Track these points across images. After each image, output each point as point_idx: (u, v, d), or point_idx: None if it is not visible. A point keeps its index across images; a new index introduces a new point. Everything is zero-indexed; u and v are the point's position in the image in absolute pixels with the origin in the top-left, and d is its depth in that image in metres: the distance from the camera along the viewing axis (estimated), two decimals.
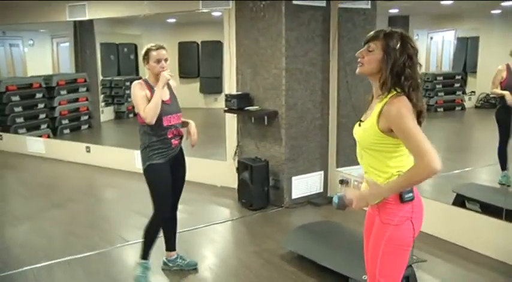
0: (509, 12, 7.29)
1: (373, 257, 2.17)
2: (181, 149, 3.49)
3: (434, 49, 9.70)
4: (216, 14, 8.98)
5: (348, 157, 5.49)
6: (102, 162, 6.99)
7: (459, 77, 8.77)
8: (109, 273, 3.76)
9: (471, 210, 4.33)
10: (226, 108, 5.46)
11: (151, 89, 3.28)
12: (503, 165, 5.20)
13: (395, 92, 2.02)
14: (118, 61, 11.08)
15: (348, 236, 3.99)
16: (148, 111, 3.22)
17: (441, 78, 8.72)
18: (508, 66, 5.11)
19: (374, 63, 2.04)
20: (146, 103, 3.23)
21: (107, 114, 10.20)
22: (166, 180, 3.37)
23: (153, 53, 3.27)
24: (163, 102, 3.28)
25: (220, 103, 11.55)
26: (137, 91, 3.28)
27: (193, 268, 3.71)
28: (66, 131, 8.86)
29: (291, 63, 4.97)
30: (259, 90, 5.28)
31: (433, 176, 1.90)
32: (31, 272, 3.74)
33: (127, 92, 10.41)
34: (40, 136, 8.19)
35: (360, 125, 2.17)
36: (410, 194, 2.06)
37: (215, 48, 11.62)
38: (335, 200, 2.38)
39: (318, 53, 5.16)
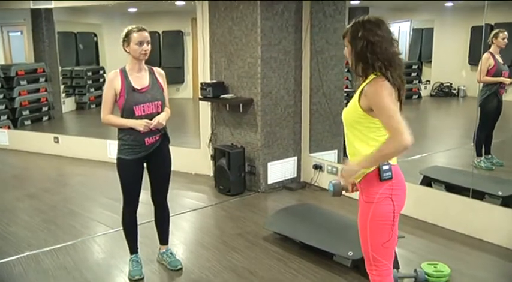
0: (461, 5, 7.69)
1: (363, 235, 2.34)
2: (163, 143, 3.37)
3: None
4: (180, 3, 8.99)
5: (319, 143, 5.70)
6: (72, 152, 6.91)
7: (415, 67, 9.12)
8: (97, 260, 3.81)
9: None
10: (201, 97, 5.53)
11: (124, 78, 3.21)
12: (487, 151, 5.43)
13: (373, 76, 2.17)
14: (77, 51, 10.83)
15: (327, 217, 4.19)
16: (106, 121, 3.25)
17: None
18: (491, 53, 5.33)
19: (349, 56, 2.24)
20: (110, 105, 3.22)
21: (68, 105, 9.97)
22: (131, 177, 3.31)
23: (135, 35, 3.16)
24: (135, 90, 3.20)
25: (182, 93, 11.57)
26: (106, 88, 3.23)
27: (174, 269, 3.55)
28: (27, 122, 8.62)
29: (265, 52, 5.09)
30: (234, 78, 5.38)
31: (404, 151, 2.06)
32: (17, 262, 3.72)
33: (88, 82, 10.23)
34: (0, 128, 7.95)
35: (346, 106, 2.34)
36: (389, 173, 2.22)
37: (177, 38, 11.60)
38: (330, 187, 2.51)
39: (291, 42, 5.31)
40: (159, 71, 3.43)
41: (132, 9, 9.91)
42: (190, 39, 11.46)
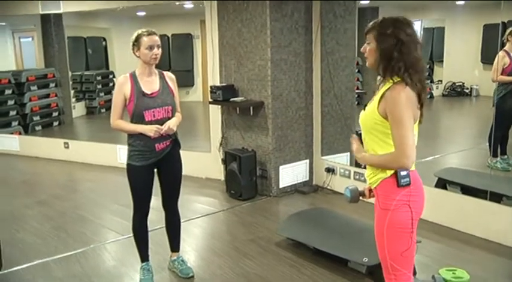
0: (472, 4, 7.57)
1: (380, 244, 2.25)
2: (174, 148, 3.31)
3: None
4: (188, 6, 8.95)
5: (331, 145, 5.62)
6: (83, 158, 6.89)
7: (427, 66, 9.01)
8: (108, 268, 3.75)
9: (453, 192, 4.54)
10: (211, 100, 5.47)
11: (134, 83, 3.16)
12: (503, 151, 5.33)
13: (398, 79, 2.10)
14: (86, 55, 10.87)
15: (341, 221, 4.10)
16: (115, 126, 3.20)
17: None
18: (506, 52, 5.22)
19: (372, 53, 2.14)
20: (119, 110, 3.17)
21: (78, 109, 10.00)
22: (142, 184, 3.25)
23: (145, 39, 3.11)
24: (145, 95, 3.15)
25: (192, 96, 11.54)
26: (116, 93, 3.18)
27: (185, 277, 3.49)
28: (38, 127, 8.64)
29: (275, 54, 5.02)
30: (244, 81, 5.31)
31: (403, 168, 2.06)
32: (27, 270, 3.68)
33: (98, 86, 10.25)
34: (11, 133, 7.96)
35: (364, 109, 2.25)
36: (407, 179, 2.14)
37: (186, 41, 11.58)
38: (347, 193, 2.45)
39: (301, 44, 5.23)
40: (169, 76, 3.37)
41: (141, 13, 9.91)
42: (199, 42, 11.45)
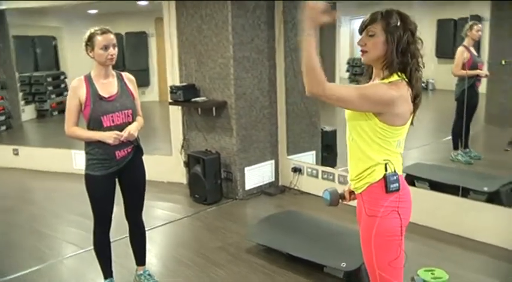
0: None
1: (367, 252, 2.11)
2: (136, 155, 3.08)
3: (358, 35, 9.94)
4: (142, 3, 8.63)
5: (297, 144, 5.49)
6: (35, 165, 6.44)
7: None
8: None
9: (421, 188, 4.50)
10: (171, 101, 5.22)
11: (90, 86, 2.91)
12: (465, 144, 5.34)
13: (397, 77, 1.97)
14: (35, 55, 10.33)
15: (315, 225, 3.96)
16: (71, 134, 2.96)
17: None
18: (465, 46, 5.24)
19: (379, 46, 1.96)
20: (74, 116, 2.92)
21: (27, 113, 9.49)
22: (102, 195, 3.02)
23: (99, 38, 2.85)
24: (102, 99, 2.91)
25: (148, 96, 11.18)
26: (70, 97, 2.93)
27: None
28: None
29: (238, 51, 4.83)
30: (206, 80, 5.10)
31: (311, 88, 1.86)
32: None
33: (49, 88, 9.75)
34: None
35: None
36: (396, 184, 2.01)
37: (140, 39, 11.22)
38: (326, 196, 2.30)
39: (264, 40, 5.07)
40: (128, 77, 3.12)
41: (93, 11, 9.51)
42: (154, 40, 11.12)
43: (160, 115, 8.89)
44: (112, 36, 2.94)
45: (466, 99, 5.13)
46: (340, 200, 2.35)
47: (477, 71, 5.22)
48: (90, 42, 2.91)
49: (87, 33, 2.92)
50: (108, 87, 2.98)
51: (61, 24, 10.20)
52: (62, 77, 10.15)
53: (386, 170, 2.03)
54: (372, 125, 1.98)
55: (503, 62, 5.88)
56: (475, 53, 5.36)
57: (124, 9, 9.64)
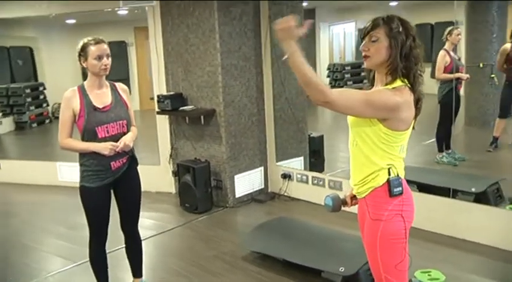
0: (405, 4, 7.76)
1: (373, 256, 2.12)
2: (131, 166, 3.04)
3: (337, 41, 10.05)
4: (122, 13, 8.54)
5: (285, 151, 5.50)
6: (17, 178, 6.28)
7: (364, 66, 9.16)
8: None
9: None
10: (159, 110, 5.18)
11: (84, 96, 2.87)
12: (447, 146, 5.49)
13: (400, 83, 1.99)
14: (11, 66, 10.14)
15: (309, 230, 3.97)
16: (65, 145, 2.90)
17: (349, 68, 9.04)
18: (446, 50, 5.36)
19: (382, 51, 1.98)
20: (68, 128, 2.88)
21: (5, 125, 9.28)
22: (98, 207, 2.97)
23: (92, 48, 2.83)
24: (97, 110, 2.87)
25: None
26: (63, 108, 2.88)
27: None
28: None
29: (226, 59, 4.83)
30: (193, 89, 5.08)
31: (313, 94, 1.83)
32: None
33: (28, 100, 9.57)
34: None
35: None
36: (399, 188, 2.04)
37: (120, 49, 11.09)
38: (328, 202, 2.31)
39: (251, 48, 5.07)
40: (122, 87, 3.09)
41: (71, 21, 9.37)
42: (134, 50, 11.03)
43: (142, 124, 8.78)
44: (105, 46, 2.91)
45: (449, 102, 5.24)
46: (342, 206, 2.36)
47: (459, 74, 5.33)
48: (83, 52, 2.87)
49: (80, 44, 2.89)
50: (102, 97, 2.95)
51: (38, 34, 10.05)
52: (41, 88, 9.98)
53: (389, 174, 2.05)
54: (376, 130, 2.00)
55: (481, 65, 6.03)
56: (455, 56, 5.48)
57: (103, 19, 9.52)
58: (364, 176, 2.09)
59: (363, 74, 9.11)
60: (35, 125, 9.49)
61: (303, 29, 1.84)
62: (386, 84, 2.01)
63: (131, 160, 3.04)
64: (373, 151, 2.03)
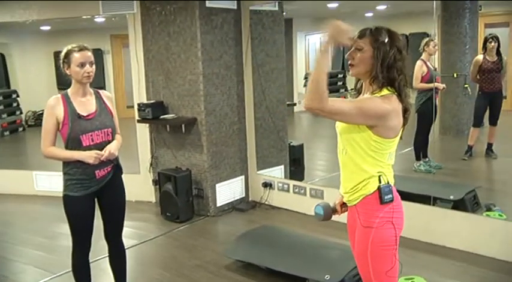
0: (380, 14, 7.92)
1: (363, 263, 2.16)
2: (116, 174, 3.02)
3: (313, 50, 10.17)
4: (98, 20, 8.46)
5: (265, 159, 5.52)
6: None
7: (340, 76, 9.30)
8: None
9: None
10: (139, 118, 5.14)
11: (67, 104, 2.83)
12: (424, 154, 5.59)
13: (388, 92, 2.04)
14: None
15: (293, 239, 3.98)
16: (48, 154, 2.84)
17: None
18: (423, 60, 5.48)
19: (366, 60, 2.04)
20: (51, 136, 2.83)
21: None
22: (82, 216, 2.92)
23: (76, 55, 2.80)
24: (81, 117, 2.84)
25: None
26: (46, 116, 2.83)
27: None
28: None
29: (207, 68, 4.83)
30: (174, 97, 5.06)
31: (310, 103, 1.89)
32: None
33: (0, 107, 9.35)
34: None
35: None
36: (390, 196, 2.09)
37: (96, 56, 10.83)
38: (319, 211, 2.32)
39: (232, 56, 5.09)
40: (106, 95, 3.07)
41: (45, 27, 9.23)
42: (110, 57, 10.93)
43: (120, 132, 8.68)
44: (89, 53, 2.89)
45: (426, 111, 5.35)
46: (332, 214, 2.38)
47: (435, 84, 5.45)
48: (66, 59, 2.84)
49: (64, 50, 2.86)
50: (86, 105, 2.91)
51: (10, 40, 9.84)
52: (14, 96, 9.77)
53: (380, 182, 2.09)
54: (366, 137, 2.04)
55: (455, 75, 6.19)
56: (431, 66, 5.60)
57: (79, 26, 9.41)
58: (354, 183, 2.12)
59: (339, 83, 9.29)
60: (7, 133, 9.27)
61: (350, 40, 1.96)
62: (373, 93, 2.05)
63: (116, 169, 3.01)
64: (363, 159, 2.07)
